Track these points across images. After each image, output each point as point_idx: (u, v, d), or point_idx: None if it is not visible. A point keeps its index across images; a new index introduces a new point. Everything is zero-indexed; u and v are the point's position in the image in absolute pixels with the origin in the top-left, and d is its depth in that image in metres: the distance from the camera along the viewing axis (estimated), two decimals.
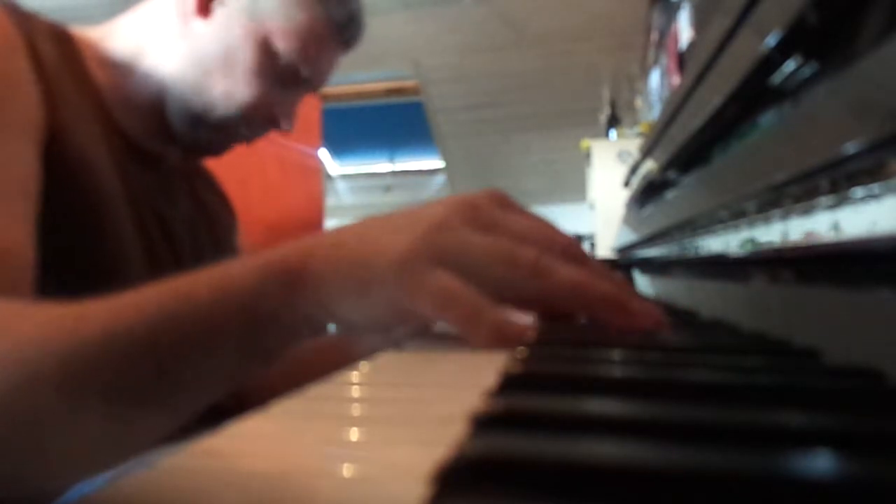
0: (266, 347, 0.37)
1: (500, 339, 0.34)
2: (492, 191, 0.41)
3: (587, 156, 2.87)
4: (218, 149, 0.75)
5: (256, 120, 0.70)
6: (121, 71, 0.67)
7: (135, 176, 0.67)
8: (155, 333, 0.34)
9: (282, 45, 0.67)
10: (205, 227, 0.78)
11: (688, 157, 0.71)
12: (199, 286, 0.36)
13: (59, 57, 0.62)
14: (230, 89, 0.67)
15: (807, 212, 0.35)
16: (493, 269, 0.35)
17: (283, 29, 0.67)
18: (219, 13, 0.67)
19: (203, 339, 0.35)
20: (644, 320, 0.37)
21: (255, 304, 0.35)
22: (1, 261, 0.46)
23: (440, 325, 0.39)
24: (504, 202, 0.40)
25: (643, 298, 0.39)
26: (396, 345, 0.39)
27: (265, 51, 0.67)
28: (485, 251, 0.36)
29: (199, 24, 0.67)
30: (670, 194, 0.82)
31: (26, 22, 0.60)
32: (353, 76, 4.57)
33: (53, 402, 0.34)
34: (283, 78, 0.70)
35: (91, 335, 0.34)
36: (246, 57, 0.67)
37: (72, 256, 0.56)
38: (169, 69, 0.67)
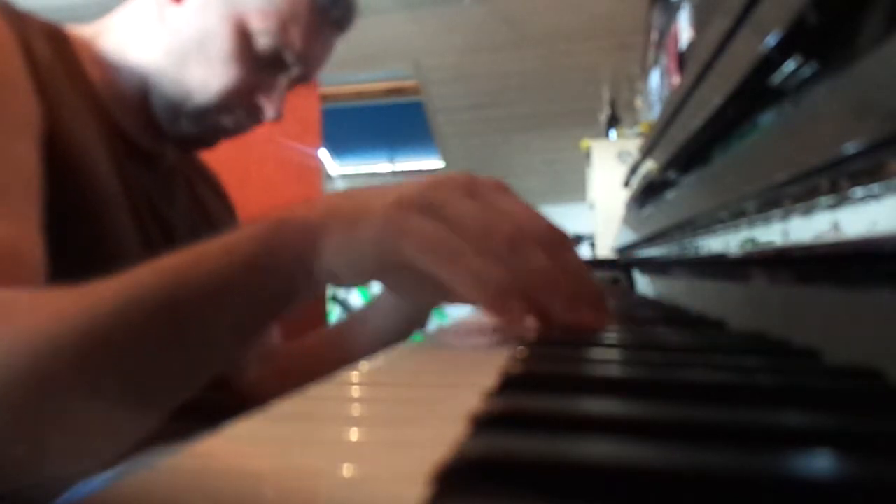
0: (271, 302, 0.39)
1: (479, 284, 0.35)
2: (493, 179, 0.42)
3: (587, 156, 2.87)
4: (205, 141, 0.73)
5: (238, 108, 0.68)
6: (113, 68, 0.67)
7: (133, 175, 0.67)
8: (171, 294, 0.37)
9: (259, 26, 0.65)
10: (204, 226, 0.78)
11: (688, 157, 0.71)
12: (209, 249, 0.38)
13: (55, 56, 0.61)
14: (207, 75, 0.66)
15: (807, 212, 0.35)
16: (472, 232, 0.37)
17: (260, 10, 0.65)
18: None
19: (214, 295, 0.37)
20: (593, 324, 0.39)
21: (258, 258, 0.37)
22: (12, 259, 0.46)
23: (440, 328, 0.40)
24: (502, 187, 0.41)
25: (605, 307, 0.40)
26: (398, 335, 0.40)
27: (241, 34, 0.65)
28: (468, 212, 0.37)
29: (175, 12, 0.66)
30: (670, 194, 0.82)
31: (21, 22, 0.60)
32: (353, 76, 4.57)
33: (74, 376, 0.35)
34: (265, 63, 0.67)
35: (108, 305, 0.36)
36: (221, 41, 0.65)
37: (71, 255, 0.56)
38: (150, 60, 0.66)
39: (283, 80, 0.70)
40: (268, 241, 0.38)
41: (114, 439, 0.38)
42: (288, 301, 0.40)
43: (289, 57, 0.68)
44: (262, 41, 0.66)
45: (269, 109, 0.70)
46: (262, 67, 0.68)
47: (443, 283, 0.36)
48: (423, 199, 0.37)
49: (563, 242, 0.40)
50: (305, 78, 0.72)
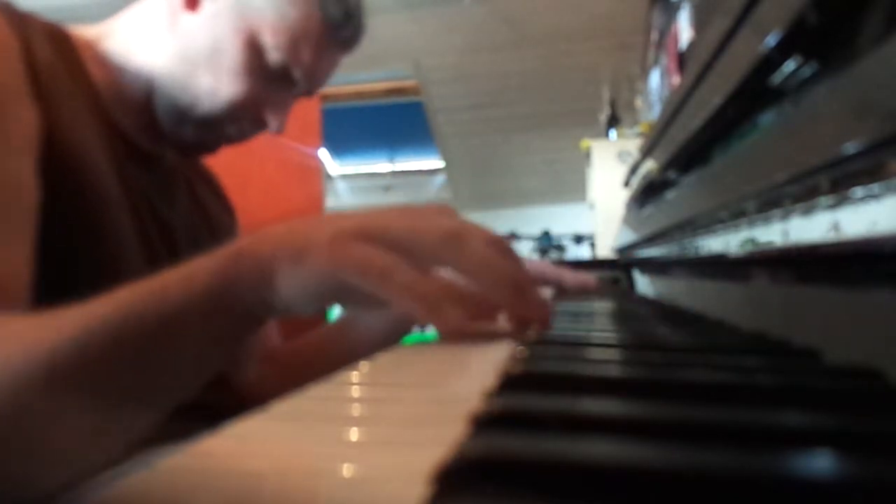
0: (230, 332, 0.41)
1: (412, 295, 0.37)
2: (441, 204, 0.45)
3: (587, 156, 2.87)
4: (206, 147, 0.73)
5: (243, 118, 0.69)
6: (117, 69, 0.67)
7: (134, 176, 0.67)
8: (130, 326, 0.38)
9: (271, 42, 0.66)
10: (204, 228, 0.78)
11: (688, 157, 0.71)
12: (168, 279, 0.39)
13: (57, 57, 0.61)
14: (216, 85, 0.66)
15: (807, 212, 0.35)
16: (406, 243, 0.39)
17: (273, 25, 0.66)
18: (207, 7, 0.66)
19: (174, 326, 0.38)
20: (535, 314, 0.42)
21: (215, 288, 0.39)
22: None
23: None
24: (445, 210, 0.43)
25: (541, 298, 0.43)
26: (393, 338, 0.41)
27: (253, 47, 0.66)
28: (402, 227, 0.40)
29: (188, 18, 0.66)
30: (670, 194, 0.82)
31: (22, 22, 0.60)
32: (353, 76, 4.57)
33: (42, 403, 0.36)
34: (273, 77, 0.68)
35: (71, 335, 0.37)
36: (233, 53, 0.66)
37: (71, 257, 0.56)
38: (157, 64, 0.67)
39: (289, 95, 0.71)
40: (224, 274, 0.39)
41: (88, 455, 0.39)
42: (247, 331, 0.42)
43: (297, 73, 0.69)
44: (273, 56, 0.67)
45: (273, 123, 0.71)
46: (271, 82, 0.68)
47: (385, 301, 0.38)
48: (361, 227, 0.39)
49: (500, 241, 0.42)
50: (309, 93, 0.74)
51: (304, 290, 0.39)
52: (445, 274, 0.40)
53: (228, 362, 0.44)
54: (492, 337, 0.41)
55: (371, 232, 0.39)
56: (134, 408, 0.39)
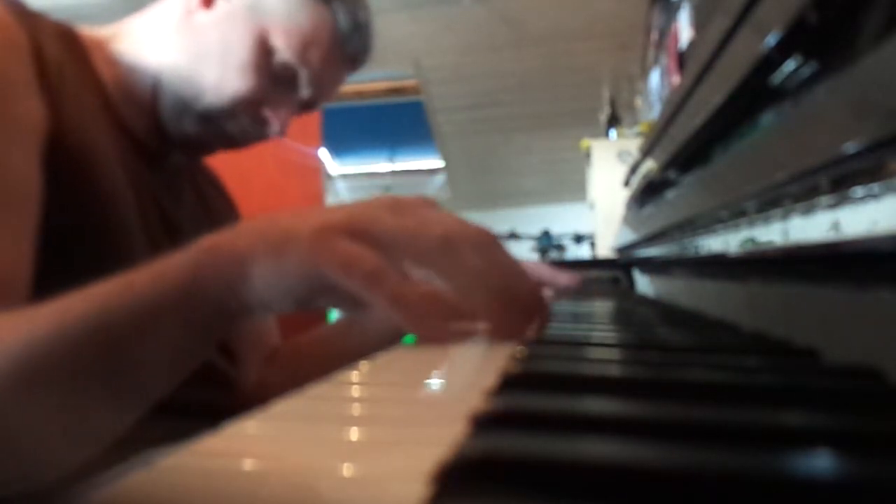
0: (203, 325, 0.39)
1: (398, 299, 0.35)
2: (420, 197, 0.42)
3: (587, 156, 2.87)
4: (206, 146, 0.73)
5: (244, 117, 0.69)
6: (126, 69, 0.68)
7: (141, 174, 0.67)
8: (99, 321, 0.37)
9: (280, 42, 0.67)
10: (209, 226, 0.78)
11: (688, 157, 0.71)
12: (140, 274, 0.39)
13: (65, 56, 0.62)
14: (222, 79, 0.67)
15: (807, 212, 0.35)
16: (399, 244, 0.37)
17: (283, 27, 0.67)
18: (221, 6, 0.67)
19: (143, 322, 0.38)
20: (523, 328, 0.39)
21: (186, 286, 0.38)
22: None
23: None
24: (428, 203, 0.41)
25: (539, 305, 0.40)
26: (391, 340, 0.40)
27: (262, 46, 0.67)
28: (394, 226, 0.37)
29: (202, 16, 0.67)
30: (670, 194, 0.82)
31: (32, 21, 0.60)
32: (353, 76, 4.57)
33: (13, 401, 0.36)
34: (279, 79, 0.69)
35: (42, 332, 0.37)
36: (242, 50, 0.66)
37: (77, 254, 0.56)
38: (166, 61, 0.67)
39: (293, 99, 0.71)
40: (196, 269, 0.38)
41: (64, 455, 0.39)
42: (220, 327, 0.40)
43: (303, 76, 0.69)
44: (281, 57, 0.67)
45: (274, 124, 0.71)
46: (276, 83, 0.69)
47: (367, 303, 0.36)
48: (347, 222, 0.37)
49: (493, 243, 0.39)
50: (313, 104, 0.74)
51: (281, 286, 0.37)
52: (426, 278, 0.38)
53: (204, 357, 0.43)
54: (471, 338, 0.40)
55: (358, 228, 0.37)
56: (110, 403, 0.39)
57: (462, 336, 0.38)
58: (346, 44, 0.71)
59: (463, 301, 0.38)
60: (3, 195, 0.49)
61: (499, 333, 0.38)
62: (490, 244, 0.39)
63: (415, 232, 0.37)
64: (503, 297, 0.38)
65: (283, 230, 0.38)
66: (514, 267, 0.39)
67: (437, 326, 0.36)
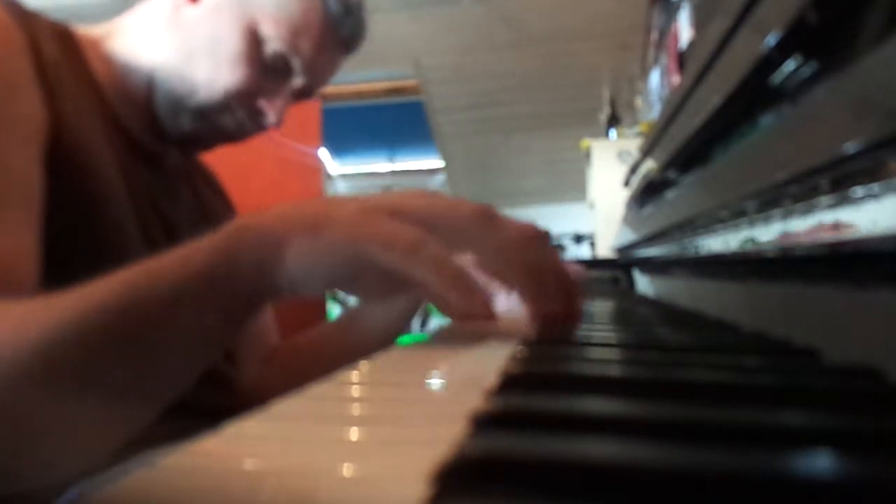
0: (232, 309, 0.39)
1: (440, 270, 0.35)
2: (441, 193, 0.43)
3: (587, 156, 2.87)
4: (203, 142, 0.73)
5: (239, 109, 0.69)
6: (121, 68, 0.68)
7: (137, 175, 0.67)
8: (126, 307, 0.36)
9: (271, 32, 0.66)
10: (206, 226, 0.78)
11: (688, 157, 0.71)
12: (164, 260, 0.38)
13: (62, 55, 0.62)
14: (214, 74, 0.67)
15: (807, 212, 0.35)
16: (439, 215, 0.37)
17: (273, 16, 0.66)
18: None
19: (171, 306, 0.37)
20: (565, 307, 0.40)
21: (215, 269, 0.37)
22: (2, 270, 0.46)
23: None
24: (462, 200, 0.42)
25: (574, 291, 0.41)
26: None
27: (252, 38, 0.66)
28: (429, 205, 0.38)
29: (190, 11, 0.67)
30: (670, 194, 0.82)
31: (28, 20, 0.60)
32: (353, 76, 4.56)
33: (32, 393, 0.35)
34: (272, 68, 0.68)
35: (63, 321, 0.36)
36: (232, 42, 0.66)
37: (74, 255, 0.56)
38: (159, 58, 0.67)
39: (287, 88, 0.71)
40: (225, 251, 0.37)
41: (88, 445, 0.38)
42: (250, 310, 0.40)
43: (296, 64, 0.69)
44: (272, 46, 0.67)
45: (270, 115, 0.70)
46: (269, 73, 0.69)
47: (408, 279, 0.36)
48: (385, 204, 0.37)
49: (533, 230, 0.40)
50: (308, 92, 0.73)
51: (318, 268, 0.37)
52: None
53: (231, 343, 0.42)
54: (503, 333, 0.40)
55: (395, 208, 0.37)
56: (133, 395, 0.38)
57: (498, 311, 0.39)
58: (338, 28, 0.70)
59: (499, 276, 0.38)
60: (8, 189, 0.49)
61: (537, 308, 0.39)
62: (528, 229, 0.39)
63: (449, 209, 0.38)
64: (540, 272, 0.38)
65: (319, 212, 0.38)
66: (553, 253, 0.40)
67: (480, 299, 0.36)
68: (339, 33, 0.71)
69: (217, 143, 0.74)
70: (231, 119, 0.70)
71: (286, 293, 0.38)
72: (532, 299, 0.40)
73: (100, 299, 0.36)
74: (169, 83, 0.67)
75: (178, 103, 0.68)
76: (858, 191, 0.29)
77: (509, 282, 0.39)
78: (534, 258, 0.38)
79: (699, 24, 1.30)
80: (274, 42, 0.67)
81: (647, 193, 1.02)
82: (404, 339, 0.71)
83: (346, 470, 0.16)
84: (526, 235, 0.39)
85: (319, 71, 0.72)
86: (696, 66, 0.64)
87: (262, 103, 0.70)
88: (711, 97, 0.54)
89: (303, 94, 0.73)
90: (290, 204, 0.39)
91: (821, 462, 0.15)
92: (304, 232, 0.37)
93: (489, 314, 0.37)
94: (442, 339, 0.41)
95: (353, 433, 0.20)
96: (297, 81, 0.71)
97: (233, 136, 0.72)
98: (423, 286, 0.36)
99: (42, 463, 0.36)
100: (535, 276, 0.38)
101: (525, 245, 0.38)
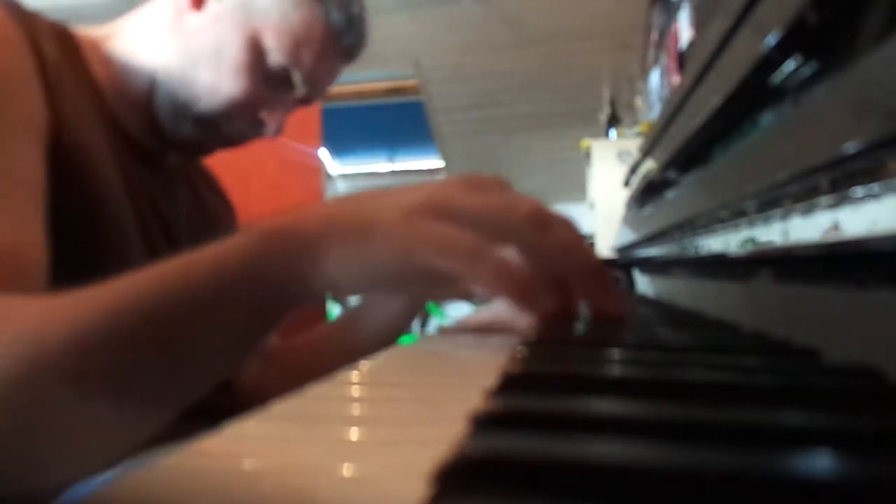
0: (264, 310, 0.38)
1: (502, 276, 0.35)
2: (492, 175, 0.42)
3: (587, 156, 2.87)
4: (203, 148, 0.73)
5: (240, 119, 0.69)
6: (121, 69, 0.68)
7: (137, 175, 0.67)
8: (157, 306, 0.36)
9: (273, 44, 0.66)
10: (206, 227, 0.78)
11: (688, 157, 0.71)
12: (198, 257, 0.37)
13: (62, 56, 0.62)
14: (216, 83, 0.67)
15: (807, 212, 0.35)
16: (489, 222, 0.36)
17: (275, 27, 0.66)
18: (212, 7, 0.67)
19: (202, 307, 0.36)
20: (614, 305, 0.40)
21: (248, 269, 0.36)
22: (13, 263, 0.46)
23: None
24: (502, 182, 0.41)
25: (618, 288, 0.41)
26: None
27: (255, 48, 0.66)
28: (481, 203, 0.37)
29: (192, 18, 0.67)
30: (670, 194, 0.82)
31: (28, 21, 0.60)
32: (353, 76, 4.57)
33: (57, 390, 0.34)
34: (273, 79, 0.68)
35: (91, 317, 0.35)
36: (234, 52, 0.66)
37: (73, 255, 0.56)
38: (160, 62, 0.67)
39: (288, 98, 0.71)
40: (259, 251, 0.37)
41: (108, 447, 0.37)
42: (283, 312, 0.39)
43: (297, 77, 0.69)
44: (274, 58, 0.67)
45: (271, 125, 0.71)
46: (270, 84, 0.69)
47: (466, 282, 0.36)
48: (431, 203, 0.36)
49: (571, 222, 0.40)
50: (308, 100, 0.73)
51: (365, 272, 0.36)
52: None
53: (262, 344, 0.41)
54: (503, 333, 0.40)
55: (442, 208, 0.36)
56: (156, 396, 0.37)
57: (561, 311, 0.39)
58: (340, 39, 0.70)
59: (554, 277, 0.38)
60: (13, 183, 0.49)
61: (600, 306, 0.39)
62: (569, 223, 0.39)
63: (500, 209, 0.37)
64: (593, 272, 0.38)
65: (361, 213, 0.37)
66: (594, 252, 0.40)
67: (543, 302, 0.36)
68: (340, 44, 0.71)
69: (216, 149, 0.74)
70: (231, 127, 0.70)
71: (322, 294, 0.38)
72: (593, 300, 0.40)
73: (127, 300, 0.36)
74: (170, 88, 0.67)
75: (179, 109, 0.68)
76: (858, 191, 0.29)
77: (552, 282, 0.38)
78: (587, 261, 0.38)
79: (699, 24, 1.30)
80: (276, 54, 0.67)
81: (647, 193, 1.02)
82: (407, 338, 0.71)
83: (346, 470, 0.16)
84: (577, 238, 0.38)
85: (320, 81, 0.72)
86: (696, 66, 0.64)
87: (263, 113, 0.70)
88: (711, 97, 0.54)
89: (303, 103, 0.73)
90: (323, 204, 0.39)
91: (821, 462, 0.15)
92: (348, 236, 0.36)
93: (550, 315, 0.37)
94: (442, 339, 0.41)
95: (353, 433, 0.20)
96: (298, 92, 0.71)
97: (232, 142, 0.73)
98: (489, 291, 0.36)
99: (52, 464, 0.35)
100: (594, 278, 0.38)
101: (576, 248, 0.38)
